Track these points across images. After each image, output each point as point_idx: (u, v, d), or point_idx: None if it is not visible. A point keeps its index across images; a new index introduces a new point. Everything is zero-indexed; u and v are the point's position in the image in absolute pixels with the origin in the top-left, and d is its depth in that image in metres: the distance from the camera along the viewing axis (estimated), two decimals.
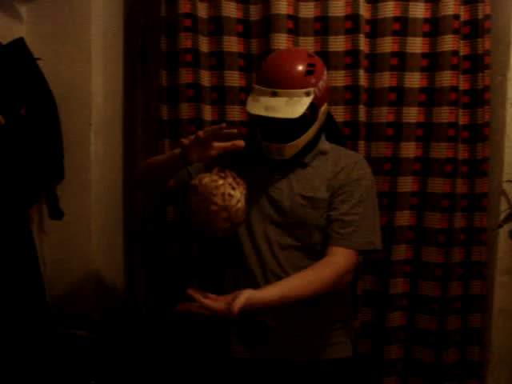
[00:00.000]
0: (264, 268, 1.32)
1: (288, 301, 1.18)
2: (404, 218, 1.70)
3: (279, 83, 1.23)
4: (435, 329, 1.71)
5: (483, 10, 1.64)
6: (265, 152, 1.32)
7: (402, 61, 1.66)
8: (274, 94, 1.23)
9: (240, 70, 1.70)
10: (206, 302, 1.11)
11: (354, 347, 1.42)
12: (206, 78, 1.69)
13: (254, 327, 1.34)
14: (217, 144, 1.16)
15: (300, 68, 1.24)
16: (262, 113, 1.23)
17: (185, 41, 1.67)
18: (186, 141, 1.14)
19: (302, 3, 1.68)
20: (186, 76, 1.68)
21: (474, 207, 1.70)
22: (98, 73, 1.71)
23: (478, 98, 1.67)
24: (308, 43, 1.69)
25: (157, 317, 1.87)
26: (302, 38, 1.69)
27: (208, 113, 1.70)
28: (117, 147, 1.88)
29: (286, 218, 1.31)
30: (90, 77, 1.68)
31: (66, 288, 1.76)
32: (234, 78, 1.69)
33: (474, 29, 1.65)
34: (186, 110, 1.69)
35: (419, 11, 1.66)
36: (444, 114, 1.66)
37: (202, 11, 1.68)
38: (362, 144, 1.68)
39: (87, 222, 1.72)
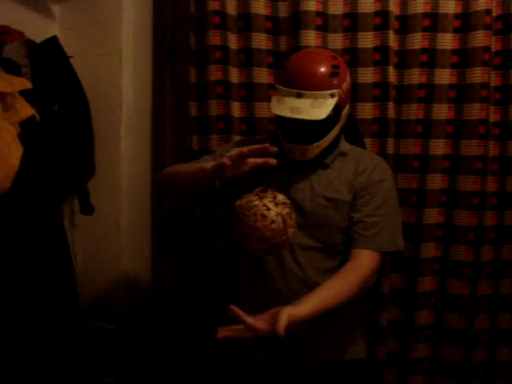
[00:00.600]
0: (283, 269, 1.32)
1: (321, 313, 1.17)
2: (432, 215, 1.68)
3: (305, 85, 1.23)
4: (464, 328, 1.69)
5: None
6: (287, 152, 1.32)
7: (431, 57, 1.64)
8: (299, 96, 1.23)
9: (268, 66, 1.70)
10: (250, 321, 1.09)
11: (367, 349, 1.42)
12: (234, 75, 1.70)
13: None
14: (250, 160, 1.15)
15: (325, 70, 1.25)
16: (288, 114, 1.23)
17: (214, 38, 1.68)
18: (227, 162, 1.12)
19: (330, 34, 1.68)
20: (214, 73, 1.69)
21: (505, 205, 1.68)
22: (128, 70, 1.74)
23: (509, 95, 1.64)
24: (337, 40, 1.68)
25: (184, 312, 1.89)
26: (330, 34, 1.68)
27: (236, 110, 1.71)
28: (146, 144, 1.90)
29: (307, 219, 1.31)
30: (120, 74, 1.71)
31: (95, 282, 1.79)
32: (262, 75, 1.70)
33: (506, 24, 1.62)
34: (214, 107, 1.70)
35: (450, 6, 1.64)
36: (475, 111, 1.63)
37: (231, 8, 1.69)
38: (390, 141, 1.67)
39: (117, 217, 1.75)
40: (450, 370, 1.73)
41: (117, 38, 1.70)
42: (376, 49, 1.65)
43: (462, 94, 1.65)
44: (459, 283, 1.69)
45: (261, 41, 1.69)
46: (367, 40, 1.66)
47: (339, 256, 1.33)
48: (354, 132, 1.49)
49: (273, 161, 1.13)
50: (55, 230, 1.50)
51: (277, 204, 1.17)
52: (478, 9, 1.61)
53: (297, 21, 1.65)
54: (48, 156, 1.49)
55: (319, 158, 1.32)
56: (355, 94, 1.66)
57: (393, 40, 1.64)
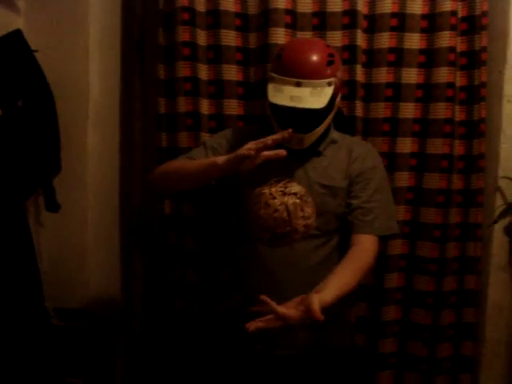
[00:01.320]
0: (282, 260, 1.31)
1: (340, 298, 1.17)
2: (400, 212, 1.70)
3: (303, 73, 1.24)
4: (430, 323, 1.72)
5: (480, 6, 1.63)
6: (282, 142, 1.28)
7: (399, 56, 1.66)
8: (299, 85, 1.24)
9: (237, 63, 1.70)
10: (282, 310, 1.10)
11: (351, 337, 1.46)
12: (203, 72, 1.69)
13: None
14: (265, 153, 1.14)
15: (322, 58, 1.27)
16: (288, 103, 1.24)
17: (182, 34, 1.66)
18: (252, 152, 1.12)
19: (299, 32, 1.68)
20: (183, 69, 1.67)
21: (470, 203, 1.71)
22: (96, 65, 1.71)
23: (474, 94, 1.67)
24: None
25: (153, 310, 1.88)
26: (299, 32, 1.68)
27: (205, 106, 1.70)
28: (114, 140, 1.88)
29: None
30: (87, 69, 1.68)
31: (62, 281, 1.76)
32: (231, 72, 1.69)
33: (471, 25, 1.65)
34: (183, 104, 1.69)
35: (417, 7, 1.66)
36: (440, 110, 1.66)
37: (200, 5, 1.67)
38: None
39: (84, 214, 1.73)
40: (416, 365, 1.76)
41: (83, 32, 1.67)
42: (344, 47, 1.66)
43: (428, 93, 1.68)
44: (425, 279, 1.72)
45: (230, 38, 1.68)
46: (336, 39, 1.66)
47: (334, 242, 1.37)
48: (341, 119, 1.51)
49: (283, 152, 1.14)
50: (19, 227, 1.48)
51: (284, 194, 1.15)
52: (444, 10, 1.64)
53: (266, 18, 1.65)
54: (11, 152, 1.46)
55: (313, 146, 1.34)
56: None
57: (361, 39, 1.66)
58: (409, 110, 1.68)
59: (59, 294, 1.74)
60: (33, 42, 1.59)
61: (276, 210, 1.13)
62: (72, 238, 1.75)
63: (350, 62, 1.66)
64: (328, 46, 1.34)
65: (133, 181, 1.92)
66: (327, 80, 1.26)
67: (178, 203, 1.73)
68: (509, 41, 1.64)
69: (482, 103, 1.67)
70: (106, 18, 1.78)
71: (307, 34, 1.69)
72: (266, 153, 1.14)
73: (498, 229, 1.69)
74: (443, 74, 1.65)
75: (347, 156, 1.37)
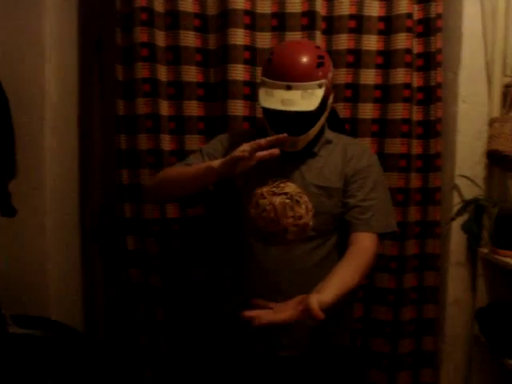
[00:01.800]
0: (279, 261, 1.31)
1: (343, 296, 1.16)
2: None
3: (293, 76, 1.25)
4: (391, 319, 1.75)
5: (435, 9, 1.68)
6: (276, 145, 1.27)
7: (357, 58, 1.69)
8: (289, 88, 1.24)
9: (197, 64, 1.69)
10: (275, 317, 1.07)
11: (352, 337, 1.45)
12: (162, 73, 1.67)
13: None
14: (258, 153, 1.16)
15: (311, 60, 1.27)
16: (279, 107, 1.24)
17: (141, 35, 1.64)
18: (246, 154, 1.13)
19: (258, 33, 1.68)
20: (142, 71, 1.66)
21: (428, 201, 1.75)
22: (52, 66, 1.66)
23: (431, 95, 1.71)
24: (265, 39, 1.69)
25: (116, 315, 1.85)
26: (259, 33, 1.69)
27: (165, 108, 1.68)
28: (73, 143, 1.83)
29: None
30: (42, 70, 1.63)
31: (20, 287, 1.71)
32: (190, 73, 1.68)
33: (427, 27, 1.69)
34: (142, 105, 1.67)
35: (374, 9, 1.69)
36: (398, 111, 1.69)
37: (159, 5, 1.66)
38: None
39: (42, 219, 1.67)
40: (379, 361, 1.78)
41: (38, 31, 1.61)
42: None
43: (386, 94, 1.71)
44: (386, 277, 1.74)
45: (189, 38, 1.67)
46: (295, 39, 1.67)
47: (332, 242, 1.36)
48: (334, 119, 1.51)
49: (276, 151, 1.15)
50: None
51: (275, 194, 1.14)
52: (400, 12, 1.67)
53: (225, 19, 1.64)
54: None
55: (308, 148, 1.35)
56: None
57: (320, 40, 1.67)
58: (367, 111, 1.71)
59: (17, 300, 1.69)
60: None
61: (264, 210, 1.13)
62: (30, 243, 1.69)
63: None
64: (318, 47, 1.35)
65: (92, 184, 1.89)
66: (317, 82, 1.26)
67: (138, 207, 1.71)
68: (462, 42, 1.68)
69: (439, 103, 1.71)
70: (63, 15, 1.73)
71: (267, 35, 1.70)
72: (260, 153, 1.15)
73: (456, 226, 1.73)
74: (400, 75, 1.68)
75: (342, 156, 1.37)
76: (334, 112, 1.53)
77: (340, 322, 1.39)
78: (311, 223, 1.18)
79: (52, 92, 1.67)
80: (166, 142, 1.69)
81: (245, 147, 1.15)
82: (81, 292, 1.90)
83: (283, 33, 1.68)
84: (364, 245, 1.29)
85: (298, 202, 1.16)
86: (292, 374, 1.36)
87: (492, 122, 1.65)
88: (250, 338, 1.36)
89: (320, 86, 1.26)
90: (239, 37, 1.64)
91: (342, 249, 1.33)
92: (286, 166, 1.34)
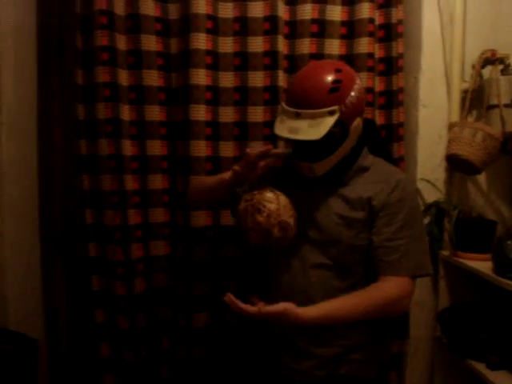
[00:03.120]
0: (293, 285, 1.29)
1: (331, 322, 1.18)
2: None
3: (301, 104, 1.21)
4: None
5: (396, 14, 1.69)
6: (298, 170, 1.31)
7: None
8: (298, 116, 1.21)
9: (159, 68, 1.67)
10: (243, 305, 1.15)
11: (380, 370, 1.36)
12: (123, 77, 1.65)
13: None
14: (261, 163, 1.26)
15: (322, 87, 1.20)
16: (286, 134, 1.22)
17: (101, 38, 1.62)
18: (238, 168, 1.25)
19: (221, 3, 1.67)
20: (102, 75, 1.63)
21: None
22: (9, 70, 1.62)
23: (392, 99, 1.73)
24: (227, 43, 1.68)
25: (78, 323, 1.81)
26: (221, 37, 1.68)
27: (126, 113, 1.66)
28: (32, 148, 1.79)
29: (321, 236, 1.28)
30: None
31: None
32: (152, 77, 1.66)
33: (388, 32, 1.71)
34: (102, 110, 1.64)
35: (336, 14, 1.69)
36: None
37: (119, 8, 1.64)
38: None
39: None
40: None
41: None
42: (266, 53, 1.67)
43: None
44: None
45: (150, 42, 1.65)
46: (257, 44, 1.67)
47: (352, 277, 1.28)
48: (377, 141, 1.42)
49: (278, 151, 1.23)
50: None
51: (246, 200, 1.26)
52: (363, 17, 1.68)
53: (187, 23, 1.63)
54: None
55: (336, 174, 1.29)
56: (245, 98, 1.68)
57: (282, 45, 1.67)
58: None
59: None
60: None
61: (253, 221, 1.24)
62: None
63: (271, 68, 1.67)
64: (339, 70, 1.23)
65: (53, 189, 1.85)
66: (327, 109, 1.19)
67: (99, 213, 1.68)
68: (422, 48, 1.71)
69: (401, 108, 1.73)
70: (21, 20, 1.69)
71: (229, 40, 1.69)
72: (264, 162, 1.26)
73: None
74: (363, 79, 1.68)
75: (372, 185, 1.28)
76: (375, 131, 1.44)
77: (366, 353, 1.31)
78: (277, 231, 1.22)
79: (9, 95, 1.64)
80: (128, 147, 1.66)
81: (241, 162, 1.26)
82: (41, 301, 1.85)
83: (245, 37, 1.68)
84: (386, 285, 1.23)
85: (259, 210, 1.23)
86: None
87: (451, 127, 1.67)
88: (267, 358, 1.36)
89: (331, 113, 1.19)
90: (201, 41, 1.63)
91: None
92: (311, 192, 1.31)
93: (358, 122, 1.26)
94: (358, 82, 1.26)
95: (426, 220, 1.72)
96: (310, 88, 1.21)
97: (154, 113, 1.68)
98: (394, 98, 1.72)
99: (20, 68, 1.69)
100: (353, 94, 1.23)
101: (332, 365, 1.29)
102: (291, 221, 1.23)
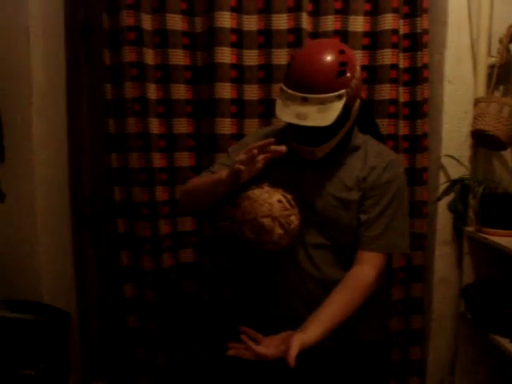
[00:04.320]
0: (298, 268, 1.30)
1: (331, 331, 1.18)
2: None
3: (309, 89, 1.16)
4: None
5: None
6: (296, 152, 1.29)
7: (343, 40, 1.68)
8: (305, 100, 1.16)
9: (184, 48, 1.69)
10: (259, 349, 1.12)
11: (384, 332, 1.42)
12: (149, 57, 1.67)
13: None
14: (260, 157, 1.15)
15: (331, 70, 1.16)
16: (293, 121, 1.17)
17: (127, 18, 1.64)
18: (241, 167, 1.13)
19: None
20: (129, 54, 1.65)
21: (415, 181, 1.76)
22: (38, 51, 1.66)
23: (417, 76, 1.72)
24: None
25: (107, 300, 1.86)
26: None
27: (152, 92, 1.68)
28: (61, 127, 1.83)
29: (317, 217, 1.29)
30: (28, 55, 1.62)
31: (11, 272, 1.72)
32: (178, 56, 1.68)
33: (413, 8, 1.70)
34: (129, 89, 1.67)
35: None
36: (385, 91, 1.70)
37: None
38: None
39: (31, 204, 1.68)
40: None
41: (23, 13, 1.60)
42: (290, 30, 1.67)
43: (373, 75, 1.71)
44: None
45: (176, 21, 1.67)
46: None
47: (349, 254, 1.31)
48: (368, 119, 1.44)
49: (282, 148, 1.13)
50: None
51: (242, 198, 1.20)
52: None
53: (211, 1, 1.64)
54: None
55: (331, 155, 1.29)
56: (270, 75, 1.69)
57: (306, 22, 1.66)
58: None
59: (9, 285, 1.70)
60: None
61: (251, 216, 1.18)
62: (20, 228, 1.70)
63: (295, 45, 1.67)
64: (342, 52, 1.20)
65: (82, 168, 1.90)
66: (337, 93, 1.16)
67: (127, 190, 1.72)
68: (448, 23, 1.69)
69: (425, 84, 1.72)
70: (48, 2, 1.72)
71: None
72: (264, 156, 1.14)
73: (442, 205, 1.75)
74: (387, 56, 1.68)
75: (362, 165, 1.30)
76: (367, 109, 1.44)
77: (369, 318, 1.35)
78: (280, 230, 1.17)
79: (39, 77, 1.67)
80: (155, 126, 1.69)
81: (242, 157, 1.14)
82: (73, 276, 1.91)
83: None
84: (363, 273, 1.25)
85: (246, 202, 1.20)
86: (321, 367, 1.30)
87: (477, 102, 1.66)
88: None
89: (339, 97, 1.16)
90: (226, 19, 1.64)
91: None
92: (305, 172, 1.31)
93: (358, 103, 1.27)
94: (357, 62, 1.25)
95: (451, 196, 1.73)
96: (317, 72, 1.16)
97: (180, 91, 1.70)
98: (418, 74, 1.71)
99: (49, 51, 1.73)
100: (356, 75, 1.22)
101: (339, 333, 1.28)
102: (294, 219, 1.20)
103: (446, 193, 1.74)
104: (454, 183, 1.72)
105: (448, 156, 1.73)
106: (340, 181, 1.29)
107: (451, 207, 1.74)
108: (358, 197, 1.28)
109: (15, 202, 1.67)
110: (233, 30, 1.66)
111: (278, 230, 1.16)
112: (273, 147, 1.14)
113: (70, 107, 1.86)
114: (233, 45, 1.67)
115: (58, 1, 1.80)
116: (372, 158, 1.31)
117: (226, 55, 1.66)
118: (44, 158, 1.71)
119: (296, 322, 1.18)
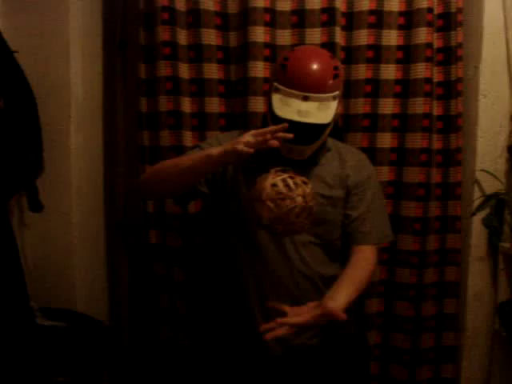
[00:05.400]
0: (290, 267, 1.33)
1: (350, 304, 1.20)
2: None
3: (311, 87, 1.24)
4: (412, 315, 1.75)
5: (456, 3, 1.67)
6: (283, 153, 1.30)
7: (377, 53, 1.69)
8: (306, 99, 1.24)
9: (218, 62, 1.72)
10: (294, 320, 1.14)
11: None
12: (184, 71, 1.70)
13: None
14: (270, 142, 1.16)
15: (328, 72, 1.26)
16: (295, 118, 1.22)
17: (163, 33, 1.68)
18: (251, 150, 1.14)
19: (278, 30, 1.70)
20: (164, 69, 1.69)
21: (449, 196, 1.74)
22: (77, 65, 1.71)
23: (451, 90, 1.70)
24: (285, 36, 1.71)
25: (140, 308, 1.88)
26: (279, 30, 1.70)
27: (187, 105, 1.71)
28: (97, 140, 1.88)
29: None
30: (68, 69, 1.68)
31: (47, 280, 1.76)
32: (212, 71, 1.71)
33: (447, 22, 1.68)
34: (164, 103, 1.70)
35: (394, 4, 1.68)
36: (419, 105, 1.68)
37: (180, 4, 1.69)
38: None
39: (68, 214, 1.73)
40: (399, 356, 1.78)
41: (64, 31, 1.66)
42: (323, 45, 1.68)
43: (406, 88, 1.70)
44: (407, 272, 1.74)
45: (210, 36, 1.69)
46: (314, 36, 1.69)
47: (337, 250, 1.39)
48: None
49: (275, 142, 1.15)
50: (1, 228, 1.48)
51: (262, 186, 1.17)
52: (421, 7, 1.66)
53: (246, 17, 1.66)
54: None
55: (310, 156, 1.34)
56: None
57: (339, 36, 1.68)
58: (388, 106, 1.71)
59: (45, 293, 1.74)
60: (12, 43, 1.59)
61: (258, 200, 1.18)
62: (57, 237, 1.75)
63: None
64: (332, 57, 1.33)
65: (117, 180, 1.94)
66: (333, 94, 1.26)
67: (161, 202, 1.75)
68: (483, 37, 1.67)
69: (459, 98, 1.70)
70: (87, 17, 1.78)
71: (287, 32, 1.71)
72: (270, 142, 1.15)
73: (477, 221, 1.72)
74: (421, 70, 1.67)
75: (340, 164, 1.38)
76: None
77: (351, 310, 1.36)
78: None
79: (78, 91, 1.72)
80: (188, 139, 1.72)
81: (249, 139, 1.14)
82: (106, 285, 1.95)
83: (303, 29, 1.69)
84: (365, 255, 1.33)
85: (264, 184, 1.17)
86: (301, 365, 1.35)
87: None
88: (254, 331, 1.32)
89: (334, 98, 1.27)
90: (259, 34, 1.66)
91: (343, 258, 1.36)
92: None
93: (340, 108, 1.34)
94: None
95: (486, 211, 1.70)
96: (319, 73, 1.25)
97: (214, 105, 1.72)
98: (452, 88, 1.70)
99: (87, 66, 1.78)
100: (343, 80, 1.34)
101: (325, 329, 1.31)
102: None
103: (480, 208, 1.71)
104: (488, 198, 1.69)
105: (483, 170, 1.70)
106: (320, 179, 1.34)
107: (486, 222, 1.71)
108: (342, 194, 1.35)
109: (53, 212, 1.71)
110: (266, 45, 1.68)
111: (266, 214, 1.15)
112: (281, 134, 1.15)
113: (106, 120, 1.91)
114: (265, 58, 1.69)
115: (97, 17, 1.85)
116: (348, 157, 1.39)
117: (259, 69, 1.68)
118: (81, 169, 1.76)
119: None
